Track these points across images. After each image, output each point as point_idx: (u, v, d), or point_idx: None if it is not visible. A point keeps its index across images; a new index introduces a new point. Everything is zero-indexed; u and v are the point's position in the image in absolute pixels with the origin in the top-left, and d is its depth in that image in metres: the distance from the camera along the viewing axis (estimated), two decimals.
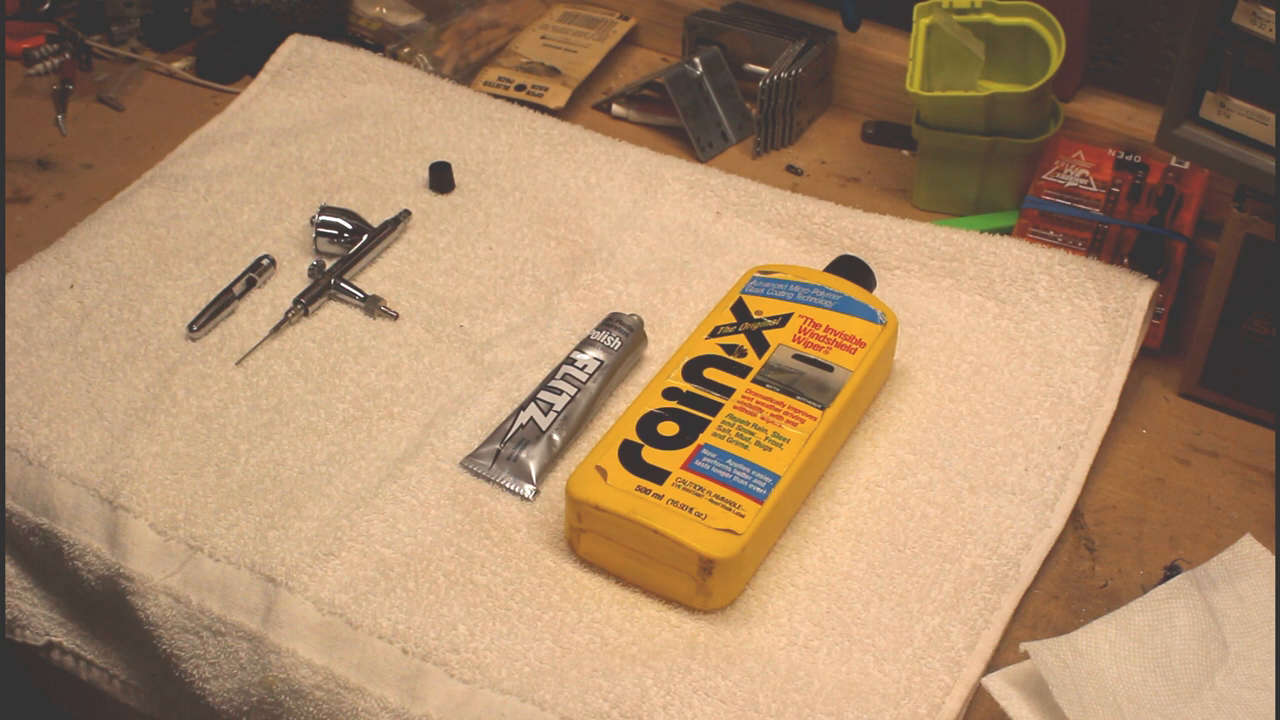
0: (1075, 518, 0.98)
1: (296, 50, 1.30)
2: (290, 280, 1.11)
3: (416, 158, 1.21)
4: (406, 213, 1.15)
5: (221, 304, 1.08)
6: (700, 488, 0.90)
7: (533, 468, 0.98)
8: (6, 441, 1.00)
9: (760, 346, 0.98)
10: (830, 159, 1.27)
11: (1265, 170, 0.96)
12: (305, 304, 1.08)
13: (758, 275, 1.04)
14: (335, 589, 0.91)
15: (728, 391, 0.96)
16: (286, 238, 1.14)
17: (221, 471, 0.98)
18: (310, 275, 1.10)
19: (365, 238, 1.12)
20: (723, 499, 0.90)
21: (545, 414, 1.00)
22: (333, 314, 1.09)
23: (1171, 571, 0.93)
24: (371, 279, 1.11)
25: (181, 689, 0.95)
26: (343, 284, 1.09)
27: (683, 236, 1.15)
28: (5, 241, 1.17)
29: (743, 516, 0.89)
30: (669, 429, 0.94)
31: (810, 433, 0.94)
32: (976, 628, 0.90)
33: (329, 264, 1.11)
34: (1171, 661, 0.86)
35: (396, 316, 1.08)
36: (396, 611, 0.90)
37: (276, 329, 1.07)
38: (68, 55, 1.35)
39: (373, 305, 1.08)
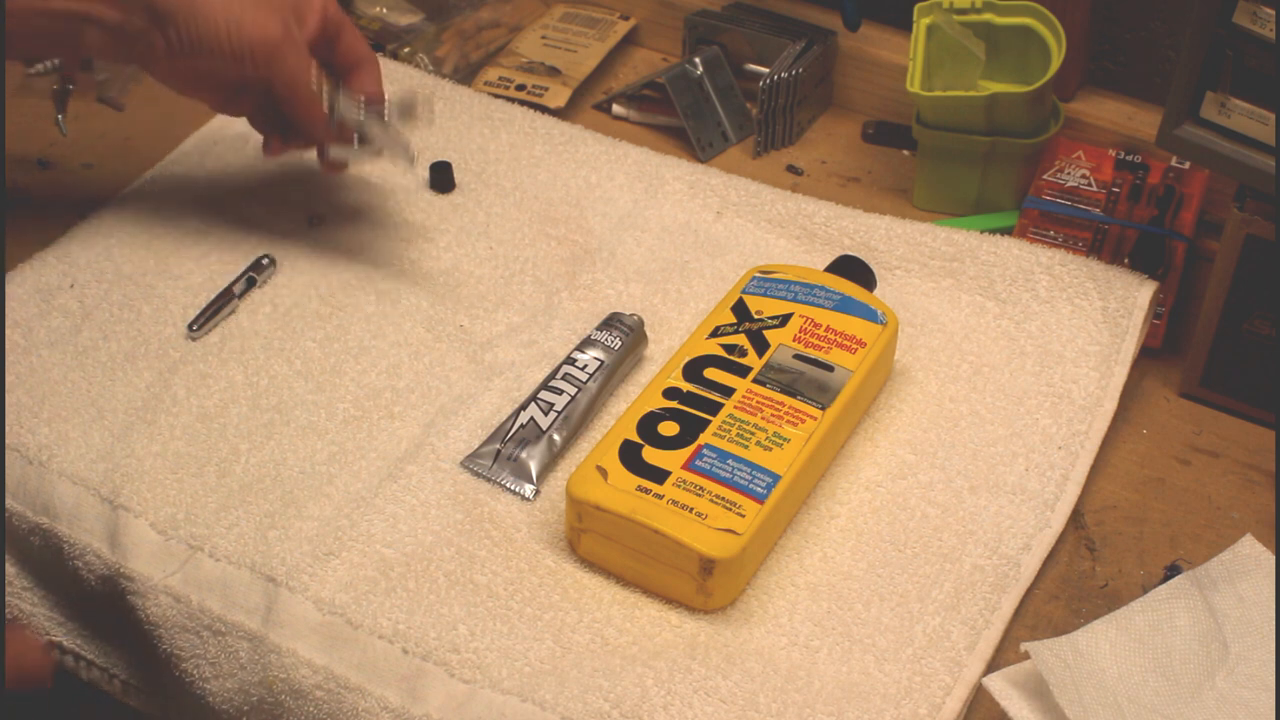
0: (1075, 518, 0.98)
1: None
2: (290, 280, 1.11)
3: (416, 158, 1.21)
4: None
5: (221, 304, 1.08)
6: (701, 488, 0.90)
7: (533, 468, 0.98)
8: (6, 441, 1.00)
9: (760, 346, 0.98)
10: (830, 159, 1.27)
11: (1265, 170, 0.96)
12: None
13: (758, 275, 1.04)
14: (335, 589, 0.91)
15: (728, 391, 0.96)
16: (286, 238, 1.14)
17: (222, 471, 0.98)
18: None
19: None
20: (723, 499, 0.89)
21: (546, 414, 1.00)
22: (334, 314, 1.09)
23: (1172, 571, 0.93)
24: (372, 276, 1.11)
25: (181, 689, 0.95)
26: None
27: (683, 236, 1.15)
28: (5, 241, 1.17)
29: (743, 516, 0.89)
30: (669, 429, 0.93)
31: (811, 433, 0.94)
32: (977, 628, 0.90)
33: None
34: (1172, 661, 0.86)
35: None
36: (397, 611, 0.90)
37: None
38: None
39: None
